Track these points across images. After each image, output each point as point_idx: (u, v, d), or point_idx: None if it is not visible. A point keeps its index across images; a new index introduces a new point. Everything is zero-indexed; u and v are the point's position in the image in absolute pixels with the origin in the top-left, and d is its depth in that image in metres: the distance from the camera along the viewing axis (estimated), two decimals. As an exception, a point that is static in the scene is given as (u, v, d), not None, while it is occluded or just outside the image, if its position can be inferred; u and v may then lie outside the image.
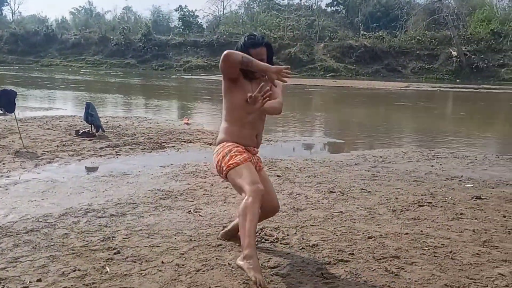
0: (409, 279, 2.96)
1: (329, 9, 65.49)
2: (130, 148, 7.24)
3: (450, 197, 4.97)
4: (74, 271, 2.94)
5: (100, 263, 3.07)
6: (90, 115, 7.97)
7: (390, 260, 3.24)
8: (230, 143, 3.15)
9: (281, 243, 3.55)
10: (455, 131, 11.83)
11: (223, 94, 3.24)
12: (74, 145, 7.29)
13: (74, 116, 10.77)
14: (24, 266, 3.01)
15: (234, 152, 3.08)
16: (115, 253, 3.26)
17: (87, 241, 3.48)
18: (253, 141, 3.23)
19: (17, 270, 2.94)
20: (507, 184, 5.71)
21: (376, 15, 58.02)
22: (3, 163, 6.04)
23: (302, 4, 67.33)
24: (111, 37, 54.35)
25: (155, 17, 74.37)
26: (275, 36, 51.43)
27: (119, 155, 6.83)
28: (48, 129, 8.76)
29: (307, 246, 3.49)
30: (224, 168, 3.06)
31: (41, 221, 3.87)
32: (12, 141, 7.40)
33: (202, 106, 16.21)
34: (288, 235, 3.72)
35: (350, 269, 3.09)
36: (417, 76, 45.56)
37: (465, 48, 47.17)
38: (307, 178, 5.71)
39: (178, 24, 62.73)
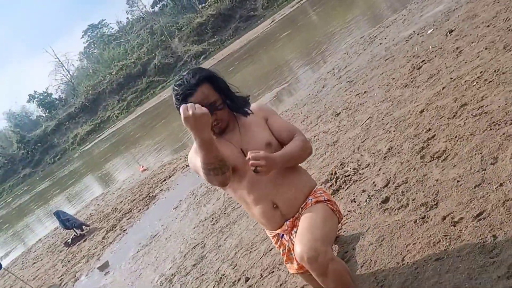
0: None
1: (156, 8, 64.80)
2: (127, 219, 6.77)
3: (430, 47, 5.10)
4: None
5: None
6: (67, 221, 7.42)
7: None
8: (266, 230, 2.33)
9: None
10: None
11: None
12: (77, 255, 6.71)
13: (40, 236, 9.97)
14: None
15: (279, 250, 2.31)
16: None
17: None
18: (272, 216, 2.13)
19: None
20: (448, 12, 5.96)
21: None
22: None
23: (132, 19, 66.26)
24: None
25: (13, 121, 70.36)
26: (133, 59, 50.47)
27: (125, 230, 6.36)
28: (35, 260, 8.10)
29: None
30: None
31: None
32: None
33: (129, 155, 15.63)
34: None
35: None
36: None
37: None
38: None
39: (42, 111, 59.57)
